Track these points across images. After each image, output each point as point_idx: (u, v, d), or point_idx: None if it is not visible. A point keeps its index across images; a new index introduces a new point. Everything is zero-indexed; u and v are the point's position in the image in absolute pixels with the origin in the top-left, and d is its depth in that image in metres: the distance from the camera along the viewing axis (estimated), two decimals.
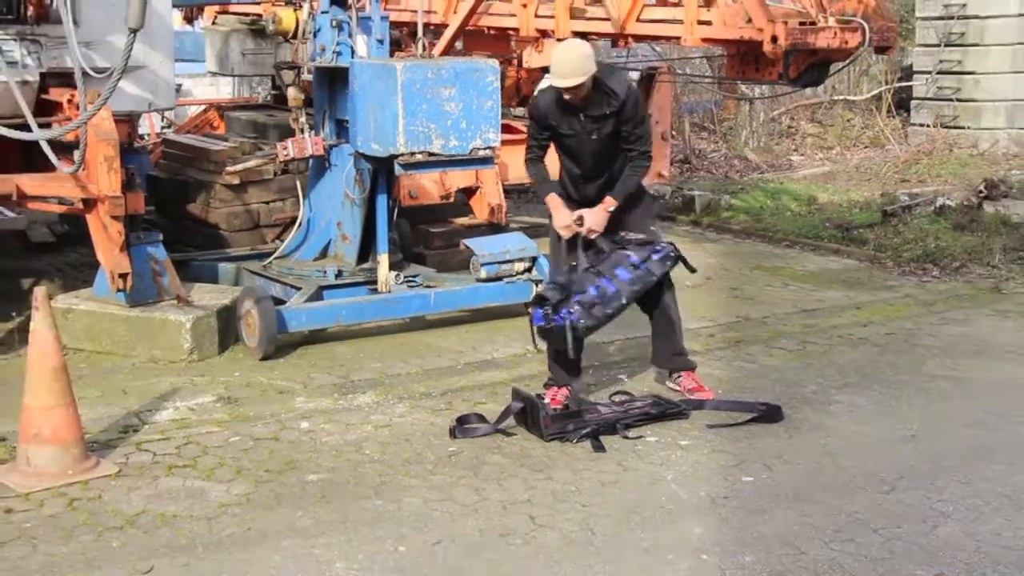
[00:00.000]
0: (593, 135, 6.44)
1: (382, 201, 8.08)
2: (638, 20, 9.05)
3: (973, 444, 6.18)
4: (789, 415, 6.49)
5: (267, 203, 9.66)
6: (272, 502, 5.35)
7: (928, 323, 8.52)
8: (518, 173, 10.56)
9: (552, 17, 9.71)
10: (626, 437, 6.10)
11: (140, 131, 9.48)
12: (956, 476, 5.73)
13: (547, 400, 6.41)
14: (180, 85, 12.07)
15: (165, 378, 7.03)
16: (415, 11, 8.34)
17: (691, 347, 7.81)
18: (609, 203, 6.49)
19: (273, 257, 8.65)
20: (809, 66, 8.50)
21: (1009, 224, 10.87)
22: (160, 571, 4.69)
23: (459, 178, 9.96)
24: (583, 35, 9.66)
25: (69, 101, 7.10)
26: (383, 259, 8.09)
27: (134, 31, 5.98)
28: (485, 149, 7.52)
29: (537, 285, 8.28)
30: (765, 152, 16.69)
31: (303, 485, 5.55)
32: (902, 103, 18.11)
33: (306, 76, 8.23)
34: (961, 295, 9.39)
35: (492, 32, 10.70)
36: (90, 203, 7.07)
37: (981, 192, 11.57)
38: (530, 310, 6.52)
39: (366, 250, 8.27)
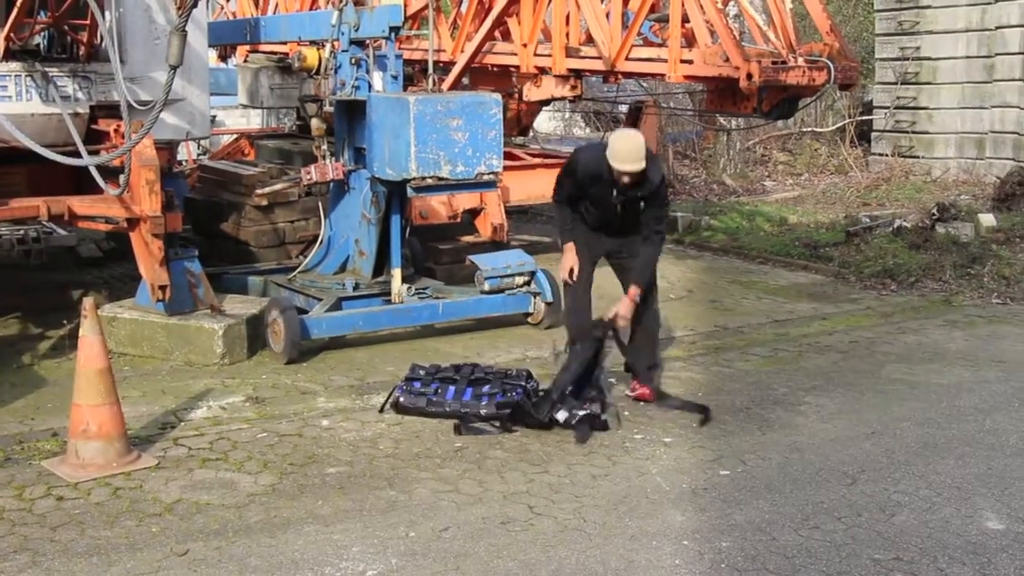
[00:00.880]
0: (618, 206, 6.44)
1: (395, 221, 8.08)
2: (627, 58, 9.05)
3: (926, 441, 6.17)
4: (761, 415, 6.49)
5: (292, 222, 9.65)
6: (295, 492, 5.35)
7: (886, 332, 8.52)
8: (519, 196, 10.59)
9: (549, 55, 9.72)
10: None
11: (178, 157, 9.47)
12: (911, 470, 5.72)
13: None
14: (215, 116, 12.07)
15: (200, 380, 7.02)
16: (426, 50, 8.34)
17: (674, 353, 7.83)
18: (634, 293, 6.48)
19: (297, 271, 8.65)
20: (780, 101, 8.51)
21: (958, 243, 10.87)
22: (195, 554, 4.69)
23: (465, 200, 9.95)
24: (577, 72, 9.72)
25: (115, 130, 7.11)
26: (396, 273, 8.09)
27: (174, 68, 6.00)
28: (489, 174, 7.51)
29: (536, 297, 8.31)
30: (741, 178, 16.68)
31: (323, 477, 5.54)
32: (863, 134, 18.09)
33: (328, 108, 8.24)
34: (916, 307, 9.38)
35: (495, 69, 10.71)
36: (133, 222, 7.08)
37: (934, 215, 11.56)
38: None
39: (381, 265, 8.27)
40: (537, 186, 10.18)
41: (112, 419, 5.56)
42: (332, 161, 8.18)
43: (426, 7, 8.85)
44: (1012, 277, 10.05)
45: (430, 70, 8.18)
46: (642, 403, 6.63)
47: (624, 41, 8.98)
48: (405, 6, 8.60)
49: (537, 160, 10.90)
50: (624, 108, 13.20)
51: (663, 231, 6.56)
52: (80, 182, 7.18)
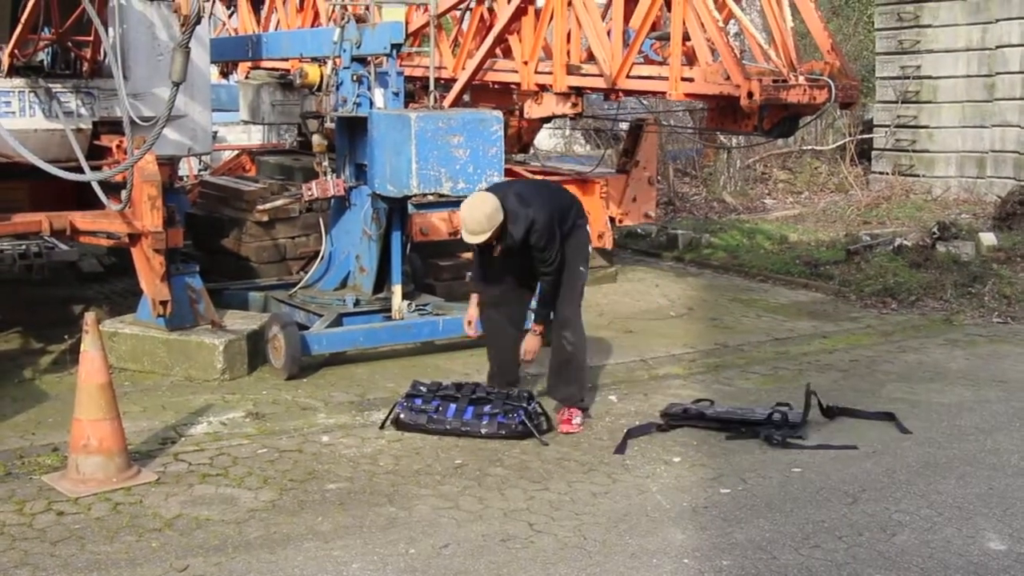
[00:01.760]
0: (500, 256, 6.50)
1: (396, 237, 8.09)
2: (628, 76, 9.07)
3: (927, 460, 6.17)
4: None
5: (293, 238, 9.68)
6: (296, 508, 5.36)
7: (887, 351, 8.53)
8: None
9: (550, 73, 9.75)
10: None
11: (180, 173, 9.48)
12: (912, 489, 5.73)
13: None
14: (216, 132, 12.11)
15: (200, 395, 7.03)
16: (427, 67, 8.37)
17: (673, 371, 7.84)
18: (536, 328, 6.58)
19: (298, 287, 8.65)
20: (781, 119, 8.52)
21: (959, 262, 10.88)
22: (195, 569, 4.69)
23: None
24: (578, 90, 9.75)
25: (118, 146, 7.13)
26: (397, 289, 8.10)
27: (177, 84, 6.03)
28: None
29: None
30: (741, 196, 16.70)
31: (323, 493, 5.55)
32: (864, 153, 18.12)
33: (329, 125, 8.24)
34: (917, 326, 9.39)
35: (496, 86, 10.74)
36: (135, 237, 7.10)
37: (934, 233, 11.57)
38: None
39: (381, 281, 8.27)
40: None
41: (113, 434, 5.57)
42: (333, 177, 8.20)
43: (427, 24, 8.86)
44: (1013, 296, 10.06)
45: (431, 87, 8.21)
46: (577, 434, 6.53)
47: (625, 59, 9.01)
48: (407, 23, 8.61)
49: (538, 177, 10.91)
50: (625, 126, 13.22)
51: (548, 271, 6.46)
52: (82, 197, 7.20)
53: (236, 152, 12.87)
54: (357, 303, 8.21)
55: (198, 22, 5.95)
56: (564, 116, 10.32)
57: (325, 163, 8.27)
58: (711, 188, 17.04)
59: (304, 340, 7.50)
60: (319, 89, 8.34)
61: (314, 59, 8.77)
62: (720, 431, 6.48)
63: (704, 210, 15.69)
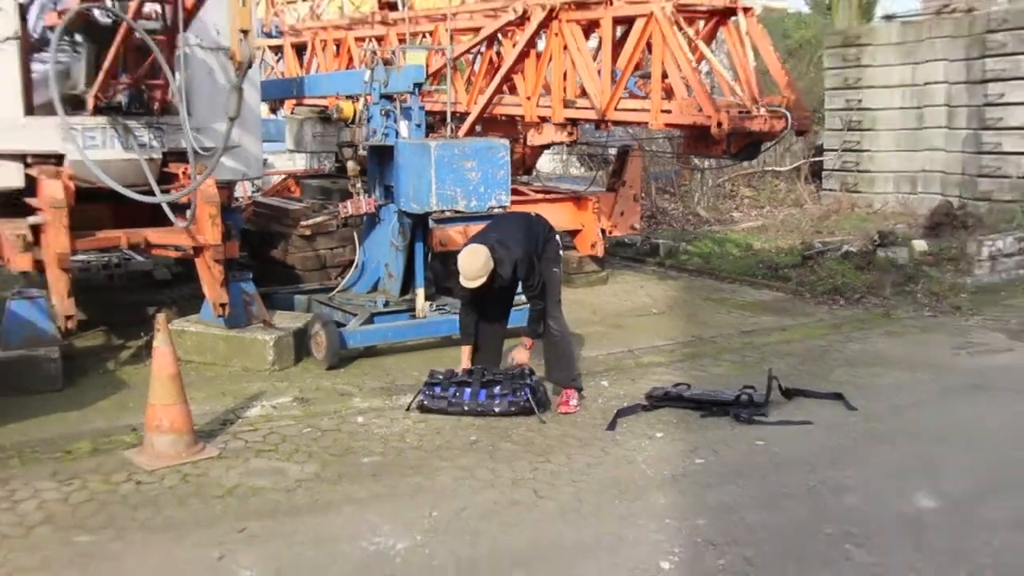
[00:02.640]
0: (488, 291, 6.49)
1: (419, 248, 8.10)
2: (616, 109, 9.07)
3: (870, 433, 6.16)
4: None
5: (332, 249, 9.68)
6: (335, 478, 5.36)
7: (836, 341, 8.51)
8: None
9: (549, 107, 9.76)
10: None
11: (236, 195, 9.49)
12: (858, 457, 5.72)
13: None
14: (266, 159, 12.11)
15: (254, 383, 7.04)
16: (445, 102, 8.38)
17: (656, 360, 7.83)
18: (527, 343, 6.58)
19: (336, 291, 8.66)
20: (746, 144, 8.51)
21: (896, 265, 10.86)
22: (251, 530, 4.71)
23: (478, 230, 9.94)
24: (573, 120, 9.75)
25: (183, 173, 7.13)
26: (420, 292, 8.10)
27: (232, 119, 6.04)
28: (498, 207, 7.55)
29: None
30: (713, 210, 16.66)
31: (359, 466, 5.55)
32: (816, 173, 18.06)
33: (361, 152, 8.26)
34: (861, 319, 9.37)
35: (503, 118, 10.74)
36: (198, 250, 7.10)
37: (875, 241, 11.55)
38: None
39: (407, 285, 8.27)
40: None
41: (181, 416, 5.59)
42: (365, 197, 8.20)
43: (445, 66, 8.89)
44: (940, 293, 10.05)
45: (448, 120, 8.23)
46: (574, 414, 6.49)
47: (613, 94, 9.01)
48: (427, 66, 8.63)
49: (539, 195, 10.94)
50: (613, 151, 13.22)
51: (534, 294, 6.48)
52: (154, 216, 7.20)
53: (283, 176, 12.86)
54: (386, 304, 8.20)
55: (250, 66, 5.95)
56: (561, 143, 10.33)
57: (358, 185, 8.27)
58: (687, 203, 17.00)
59: (342, 336, 7.50)
60: (353, 122, 8.37)
61: (348, 97, 8.80)
62: (696, 410, 6.47)
63: (681, 222, 15.66)
